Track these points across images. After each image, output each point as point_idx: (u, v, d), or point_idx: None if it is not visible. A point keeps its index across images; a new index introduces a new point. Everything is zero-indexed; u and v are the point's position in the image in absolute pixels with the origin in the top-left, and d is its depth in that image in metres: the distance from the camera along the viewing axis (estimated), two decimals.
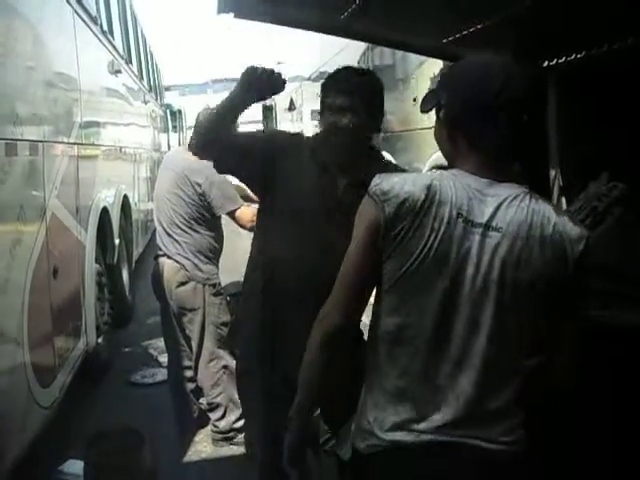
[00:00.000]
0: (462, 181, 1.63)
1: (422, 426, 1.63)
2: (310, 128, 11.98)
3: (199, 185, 3.93)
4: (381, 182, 1.66)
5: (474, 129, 1.65)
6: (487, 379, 1.61)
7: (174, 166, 4.09)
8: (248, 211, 3.91)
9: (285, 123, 14.86)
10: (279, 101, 15.31)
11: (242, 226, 3.98)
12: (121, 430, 3.99)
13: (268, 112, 16.00)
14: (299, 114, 12.99)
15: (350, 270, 1.70)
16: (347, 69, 2.45)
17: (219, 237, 4.14)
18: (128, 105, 8.13)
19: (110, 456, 3.69)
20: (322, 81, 2.46)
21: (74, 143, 4.75)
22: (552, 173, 3.63)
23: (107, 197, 5.94)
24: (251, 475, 3.72)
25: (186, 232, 3.99)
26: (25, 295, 3.32)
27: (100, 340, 5.19)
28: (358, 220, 1.69)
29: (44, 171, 3.84)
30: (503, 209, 1.59)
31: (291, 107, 13.44)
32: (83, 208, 4.91)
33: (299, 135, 2.69)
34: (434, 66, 5.30)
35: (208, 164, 4.03)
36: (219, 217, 4.06)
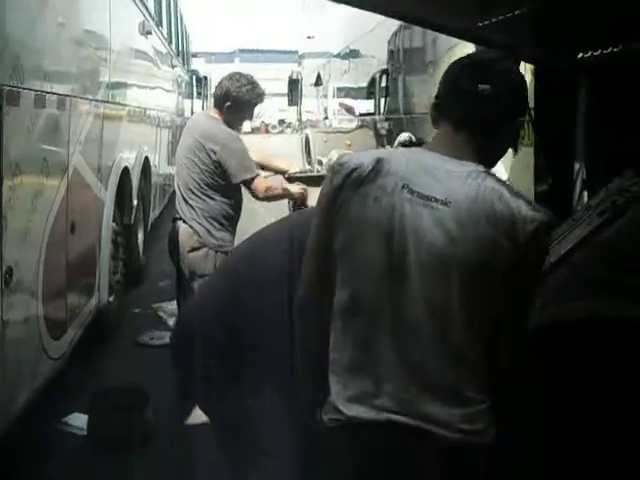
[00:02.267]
0: (416, 157, 1.66)
1: (379, 401, 1.61)
2: (333, 105, 11.91)
3: (214, 152, 3.91)
4: (342, 157, 1.71)
5: (443, 105, 1.71)
6: (437, 352, 1.58)
7: (193, 131, 4.09)
8: (263, 182, 3.99)
9: (310, 98, 14.78)
10: (305, 75, 15.21)
11: (255, 196, 4.03)
12: (126, 388, 4.05)
13: (294, 85, 15.84)
14: (324, 90, 12.91)
15: (310, 245, 1.77)
16: None
17: (235, 204, 4.10)
18: (155, 68, 8.13)
19: (113, 412, 3.75)
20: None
21: (101, 101, 4.76)
22: (576, 166, 3.61)
23: (129, 157, 5.95)
24: None
25: (200, 198, 3.98)
26: (42, 247, 3.35)
27: (111, 299, 5.22)
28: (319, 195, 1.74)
29: (70, 126, 3.86)
30: (454, 184, 1.58)
31: (317, 82, 13.30)
32: (105, 166, 4.94)
33: None
34: (466, 49, 5.25)
35: (224, 130, 4.04)
36: (237, 184, 4.03)
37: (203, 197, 3.97)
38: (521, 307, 1.67)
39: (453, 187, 1.57)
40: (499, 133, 1.68)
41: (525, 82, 1.72)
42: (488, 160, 1.69)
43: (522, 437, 2.19)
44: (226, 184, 3.98)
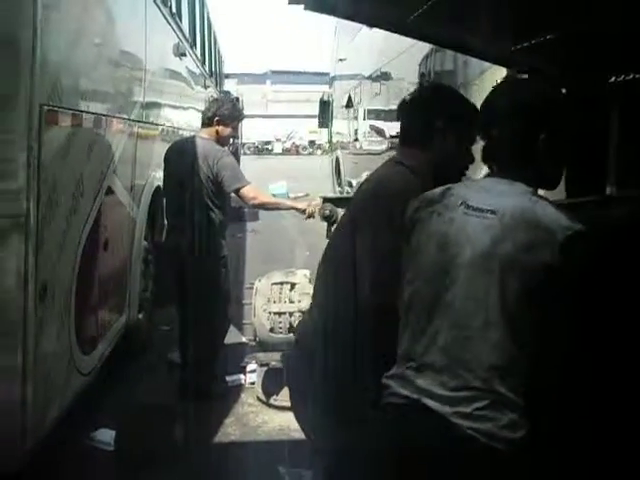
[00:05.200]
0: (478, 182, 1.97)
1: (418, 383, 1.81)
2: (364, 127, 11.94)
3: (211, 167, 4.40)
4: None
5: (485, 142, 1.94)
6: (477, 349, 1.73)
7: (189, 152, 4.56)
8: (252, 190, 4.53)
9: (340, 120, 14.84)
10: (336, 97, 15.28)
11: (246, 203, 4.63)
12: (154, 406, 4.08)
13: (325, 107, 15.92)
14: (355, 112, 12.96)
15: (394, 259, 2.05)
16: None
17: (226, 213, 4.67)
18: (189, 88, 8.21)
19: (141, 428, 3.78)
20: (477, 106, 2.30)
21: (135, 121, 4.83)
22: (607, 190, 3.59)
23: (161, 177, 6.00)
24: (275, 458, 3.79)
25: (198, 210, 4.40)
26: (76, 264, 3.40)
27: (141, 316, 5.27)
28: None
29: (105, 144, 3.93)
30: (504, 199, 1.80)
31: (348, 104, 13.34)
32: (138, 185, 5.00)
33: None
34: (497, 73, 5.25)
35: (218, 148, 4.54)
36: (227, 194, 4.57)
37: (201, 209, 4.42)
38: (558, 318, 1.73)
39: (503, 201, 1.80)
40: (530, 155, 1.85)
41: (539, 98, 1.88)
42: (537, 182, 1.88)
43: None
44: (219, 195, 4.50)
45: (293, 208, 4.69)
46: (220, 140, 4.70)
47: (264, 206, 4.83)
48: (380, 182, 2.40)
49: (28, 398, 2.86)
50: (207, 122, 4.70)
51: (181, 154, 4.64)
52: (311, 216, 4.50)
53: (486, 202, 1.81)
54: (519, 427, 1.70)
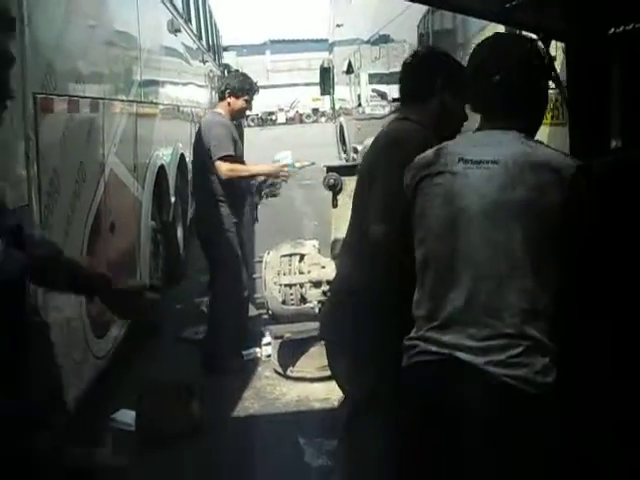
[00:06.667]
0: (469, 136, 2.07)
1: (445, 339, 1.85)
2: (366, 92, 11.84)
3: (208, 138, 4.64)
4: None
5: (471, 95, 2.10)
6: (501, 294, 1.79)
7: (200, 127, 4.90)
8: (228, 164, 4.57)
9: (342, 86, 14.71)
10: (337, 64, 15.11)
11: (218, 175, 4.59)
12: (172, 383, 4.11)
13: (325, 74, 15.74)
14: (357, 77, 12.83)
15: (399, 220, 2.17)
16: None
17: (228, 183, 4.66)
18: (186, 64, 8.15)
19: (161, 408, 3.81)
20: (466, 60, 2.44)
21: (133, 101, 4.81)
22: (613, 144, 3.54)
23: (164, 155, 6.01)
24: (295, 429, 3.82)
25: (206, 183, 4.66)
26: (83, 248, 3.42)
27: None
28: None
29: (104, 128, 3.91)
30: (501, 148, 1.88)
31: (349, 70, 13.18)
32: (141, 165, 5.00)
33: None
34: (495, 30, 5.19)
35: (216, 120, 4.77)
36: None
37: (208, 181, 4.64)
38: (576, 248, 1.84)
39: (501, 150, 1.88)
40: (527, 100, 1.98)
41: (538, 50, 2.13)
42: (529, 125, 2.00)
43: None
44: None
45: (260, 174, 5.01)
46: (232, 113, 4.87)
47: (240, 178, 4.82)
48: (391, 135, 2.52)
49: None
50: (220, 96, 4.90)
51: (199, 130, 4.88)
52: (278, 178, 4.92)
53: (485, 154, 1.88)
54: (551, 372, 1.77)
